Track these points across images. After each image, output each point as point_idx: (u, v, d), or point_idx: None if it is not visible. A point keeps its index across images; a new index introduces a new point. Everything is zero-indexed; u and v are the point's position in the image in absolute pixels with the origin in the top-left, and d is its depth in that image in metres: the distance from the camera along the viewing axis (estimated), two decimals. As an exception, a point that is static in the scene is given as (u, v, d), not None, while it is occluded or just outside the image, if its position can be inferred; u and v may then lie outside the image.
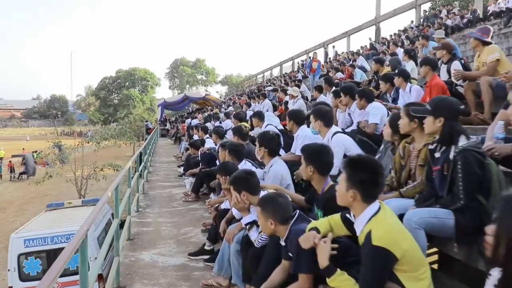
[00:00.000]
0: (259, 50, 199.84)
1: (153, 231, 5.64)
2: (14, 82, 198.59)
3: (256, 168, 4.28)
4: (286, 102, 9.97)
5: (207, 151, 7.51)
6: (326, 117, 3.95)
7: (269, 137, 3.67)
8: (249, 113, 11.96)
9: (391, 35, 22.76)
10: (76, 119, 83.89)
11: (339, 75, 12.38)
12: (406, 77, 5.70)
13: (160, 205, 7.24)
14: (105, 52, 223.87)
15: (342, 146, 3.76)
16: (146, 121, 38.38)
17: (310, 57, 33.80)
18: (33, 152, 32.96)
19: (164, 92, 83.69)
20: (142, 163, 8.59)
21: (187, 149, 12.02)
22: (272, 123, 6.72)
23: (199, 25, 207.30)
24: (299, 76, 22.94)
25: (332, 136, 3.87)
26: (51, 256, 6.79)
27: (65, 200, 20.82)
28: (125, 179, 5.39)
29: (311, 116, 4.00)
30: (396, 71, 5.94)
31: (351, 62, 15.70)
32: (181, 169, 10.97)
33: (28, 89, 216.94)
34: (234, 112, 8.92)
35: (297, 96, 9.91)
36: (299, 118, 4.86)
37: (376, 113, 4.77)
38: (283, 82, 20.38)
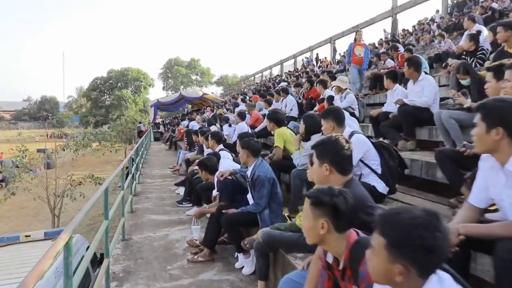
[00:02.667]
0: (255, 50, 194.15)
1: None
2: (4, 83, 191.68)
3: None
4: (331, 98, 6.88)
5: (230, 177, 4.35)
6: None
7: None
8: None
9: (414, 26, 19.84)
10: (67, 121, 79.98)
11: (390, 62, 9.30)
12: None
13: (150, 271, 4.07)
14: (97, 52, 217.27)
15: None
16: (140, 123, 35.09)
17: (317, 54, 30.89)
18: (14, 157, 29.51)
19: (157, 93, 79.93)
20: (123, 192, 5.38)
21: (187, 162, 8.89)
22: (355, 130, 3.61)
23: (194, 24, 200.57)
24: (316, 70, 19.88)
25: None
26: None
27: (38, 216, 17.38)
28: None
29: None
30: None
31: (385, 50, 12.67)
32: (181, 190, 7.81)
33: (19, 90, 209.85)
34: (268, 112, 5.72)
35: (346, 89, 6.84)
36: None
37: None
38: (301, 75, 17.27)
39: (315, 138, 4.19)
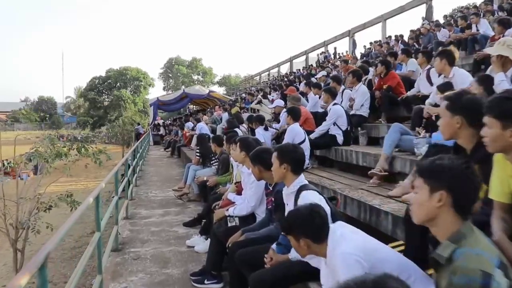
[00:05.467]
0: (258, 50, 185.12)
1: None
2: (3, 83, 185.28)
3: None
4: (488, 78, 3.54)
5: None
6: None
7: None
8: (337, 109, 5.54)
9: (461, 9, 16.55)
10: (64, 122, 76.46)
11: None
12: None
13: None
14: (97, 52, 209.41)
15: None
16: (138, 124, 31.82)
17: (334, 48, 27.54)
18: (2, 161, 25.93)
19: (158, 94, 76.38)
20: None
21: (203, 188, 5.55)
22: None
23: (195, 22, 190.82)
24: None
25: None
26: None
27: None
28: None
29: None
30: None
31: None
32: (196, 242, 4.45)
33: (18, 91, 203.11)
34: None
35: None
36: None
37: None
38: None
39: None
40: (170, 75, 64.85)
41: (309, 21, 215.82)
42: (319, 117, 6.53)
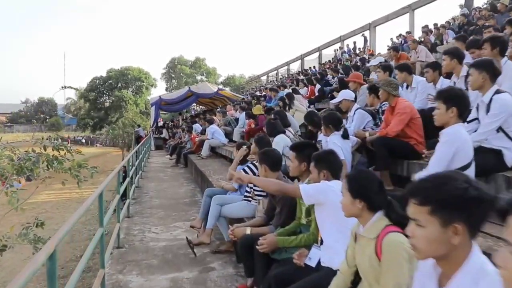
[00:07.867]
0: (263, 49, 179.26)
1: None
2: (4, 84, 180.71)
3: None
4: None
5: None
6: None
7: None
8: (507, 100, 2.77)
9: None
10: (65, 124, 73.90)
11: None
12: None
13: None
14: (98, 52, 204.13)
15: None
16: (139, 126, 29.27)
17: (354, 42, 24.79)
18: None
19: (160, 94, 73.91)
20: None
21: (248, 247, 2.82)
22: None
23: (199, 21, 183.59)
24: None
25: None
26: None
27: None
28: None
29: None
30: None
31: None
32: None
33: (18, 92, 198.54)
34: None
35: None
36: None
37: None
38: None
39: None
40: (173, 75, 62.18)
41: (318, 18, 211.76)
42: (426, 117, 3.85)
